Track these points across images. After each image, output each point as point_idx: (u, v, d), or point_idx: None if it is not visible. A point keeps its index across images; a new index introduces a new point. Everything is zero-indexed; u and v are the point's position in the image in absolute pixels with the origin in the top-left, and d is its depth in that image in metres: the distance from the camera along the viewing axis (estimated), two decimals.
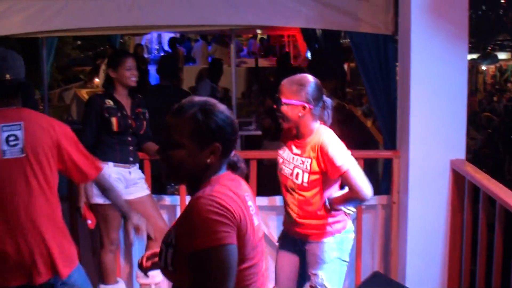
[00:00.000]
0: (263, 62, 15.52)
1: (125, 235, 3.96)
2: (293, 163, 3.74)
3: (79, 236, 5.12)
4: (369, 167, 5.25)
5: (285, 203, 3.90)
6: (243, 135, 7.36)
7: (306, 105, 3.63)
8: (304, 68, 7.82)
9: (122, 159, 4.70)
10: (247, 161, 4.80)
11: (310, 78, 3.75)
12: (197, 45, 17.66)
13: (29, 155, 3.26)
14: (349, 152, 3.66)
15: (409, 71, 4.61)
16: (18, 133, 3.25)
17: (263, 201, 5.12)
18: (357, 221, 5.01)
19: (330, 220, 3.75)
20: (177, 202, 5.18)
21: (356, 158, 4.90)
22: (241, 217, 2.22)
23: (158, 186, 5.64)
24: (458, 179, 4.62)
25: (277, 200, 5.12)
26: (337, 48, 11.01)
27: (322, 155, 3.59)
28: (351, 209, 3.86)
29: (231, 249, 2.14)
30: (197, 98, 2.36)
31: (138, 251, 5.05)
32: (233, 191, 2.27)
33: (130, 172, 4.74)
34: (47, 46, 7.06)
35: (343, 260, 3.82)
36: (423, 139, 4.67)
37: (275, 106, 3.74)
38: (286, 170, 3.80)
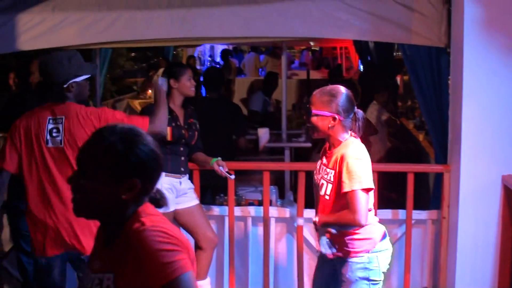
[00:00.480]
0: (314, 74, 15.49)
1: None
2: (321, 173, 3.72)
3: None
4: (420, 181, 5.19)
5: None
6: (292, 147, 7.34)
7: (336, 116, 3.58)
8: (355, 81, 7.78)
9: (173, 169, 4.74)
10: (295, 173, 4.80)
11: (342, 89, 3.69)
12: (248, 57, 17.75)
13: (66, 146, 3.81)
14: (370, 173, 3.53)
15: (461, 84, 4.55)
16: (60, 126, 3.82)
17: (311, 213, 5.10)
18: (407, 236, 4.96)
19: (356, 237, 3.65)
20: (225, 212, 5.20)
21: (407, 172, 4.91)
22: (187, 243, 2.04)
23: (208, 197, 5.67)
24: (509, 195, 4.54)
25: None
26: (390, 60, 10.91)
27: (340, 166, 3.51)
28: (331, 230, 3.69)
29: (192, 276, 1.96)
30: (120, 125, 2.11)
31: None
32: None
33: (180, 182, 4.78)
34: (101, 57, 7.20)
35: (371, 280, 3.68)
36: (474, 153, 4.60)
37: (305, 117, 3.71)
38: (315, 181, 3.79)
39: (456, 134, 4.70)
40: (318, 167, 3.80)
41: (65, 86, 3.85)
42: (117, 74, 18.24)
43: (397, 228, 5.13)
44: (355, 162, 3.47)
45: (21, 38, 5.35)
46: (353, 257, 3.65)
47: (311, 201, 5.14)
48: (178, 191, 4.75)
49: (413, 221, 4.99)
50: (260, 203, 5.28)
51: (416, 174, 4.98)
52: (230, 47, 19.29)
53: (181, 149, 4.80)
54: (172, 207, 4.69)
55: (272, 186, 5.63)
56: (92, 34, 5.43)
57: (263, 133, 6.83)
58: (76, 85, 3.90)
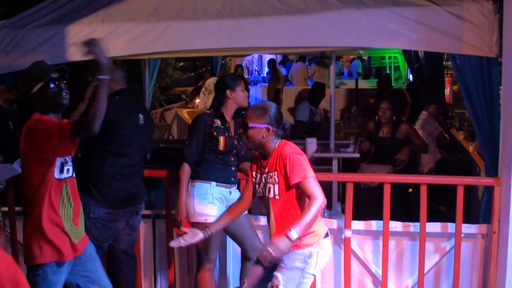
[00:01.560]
0: (363, 84, 15.41)
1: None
2: (263, 181, 3.94)
3: (175, 254, 5.21)
4: (470, 194, 5.10)
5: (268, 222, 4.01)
6: (340, 157, 7.29)
7: (270, 127, 3.91)
8: (404, 91, 7.70)
9: (224, 180, 4.77)
10: (343, 184, 4.77)
11: (271, 104, 4.09)
12: (295, 66, 17.73)
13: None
14: (307, 163, 3.83)
15: None
16: None
17: (359, 225, 5.06)
18: (455, 250, 4.87)
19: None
20: None
21: (456, 185, 4.82)
22: None
23: (255, 207, 5.66)
24: None
25: (374, 224, 5.05)
26: (440, 70, 10.80)
27: (284, 163, 3.81)
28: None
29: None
30: None
31: (233, 269, 5.09)
32: None
33: (230, 192, 4.80)
34: (150, 67, 7.27)
35: (306, 272, 3.88)
36: None
37: (241, 130, 4.00)
38: (259, 194, 4.00)
39: (508, 146, 4.61)
40: (257, 181, 4.01)
41: (29, 97, 3.79)
42: (166, 83, 18.44)
43: (445, 242, 5.05)
44: (296, 156, 3.82)
45: (72, 49, 5.43)
46: (297, 248, 3.82)
47: (359, 212, 5.12)
48: (228, 201, 4.76)
49: (462, 235, 4.90)
50: None
51: (466, 187, 4.89)
52: (278, 57, 19.31)
53: (232, 159, 4.82)
54: None
55: None
56: (141, 45, 5.48)
57: (311, 143, 6.80)
58: (36, 96, 3.76)
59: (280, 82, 15.47)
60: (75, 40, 5.47)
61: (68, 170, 3.76)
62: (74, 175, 3.84)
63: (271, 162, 3.91)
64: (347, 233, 4.93)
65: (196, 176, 4.71)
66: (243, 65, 17.42)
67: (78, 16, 5.57)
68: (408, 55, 11.92)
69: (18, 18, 5.78)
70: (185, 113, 12.27)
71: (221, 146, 4.72)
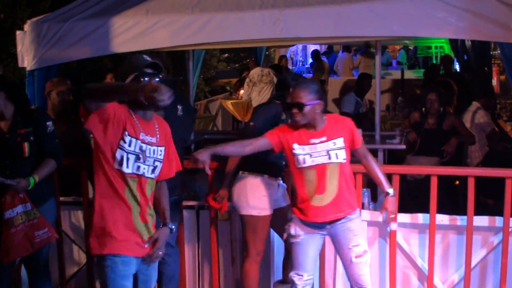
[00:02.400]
0: (409, 74, 15.22)
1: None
2: (322, 150, 4.20)
3: (218, 244, 5.20)
4: None
5: (314, 196, 4.23)
6: (386, 148, 7.20)
7: (321, 101, 4.22)
8: (450, 81, 7.55)
9: (275, 173, 4.81)
10: (389, 176, 4.70)
11: (313, 81, 4.62)
12: (340, 56, 17.61)
13: None
14: None
15: None
16: None
17: (405, 218, 4.98)
18: (503, 244, 4.75)
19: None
20: None
21: (504, 178, 4.72)
22: None
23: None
24: None
25: (420, 217, 4.97)
26: (487, 60, 10.61)
27: (349, 130, 4.27)
28: None
29: None
30: None
31: (277, 260, 5.07)
32: None
33: (278, 185, 4.80)
34: (194, 58, 7.27)
35: None
36: None
37: (295, 110, 4.17)
38: (312, 163, 4.19)
39: None
40: (308, 152, 4.20)
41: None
42: (211, 75, 18.50)
43: (493, 236, 4.94)
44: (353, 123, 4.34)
45: (115, 41, 5.47)
46: (357, 210, 4.38)
47: (405, 205, 5.04)
48: (275, 193, 4.77)
49: (510, 229, 4.78)
50: None
51: None
52: (322, 47, 19.20)
53: (283, 154, 4.81)
54: (271, 210, 4.77)
55: (364, 189, 5.53)
56: (185, 36, 5.49)
57: None
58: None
59: (324, 73, 15.39)
60: (119, 32, 5.50)
61: (138, 167, 3.65)
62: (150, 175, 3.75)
63: (329, 131, 4.22)
64: (393, 226, 4.85)
65: (249, 168, 4.73)
66: (287, 55, 17.38)
67: (122, 8, 5.61)
68: (455, 44, 11.72)
69: (62, 11, 5.85)
70: (229, 104, 12.30)
71: None
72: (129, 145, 3.57)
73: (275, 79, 11.33)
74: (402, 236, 5.03)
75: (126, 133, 3.56)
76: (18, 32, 6.17)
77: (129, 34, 5.49)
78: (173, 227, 3.94)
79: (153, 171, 3.71)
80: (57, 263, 5.40)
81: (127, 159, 3.59)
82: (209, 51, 14.79)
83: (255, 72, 11.53)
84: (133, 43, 5.53)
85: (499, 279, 4.79)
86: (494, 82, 13.30)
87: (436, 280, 4.94)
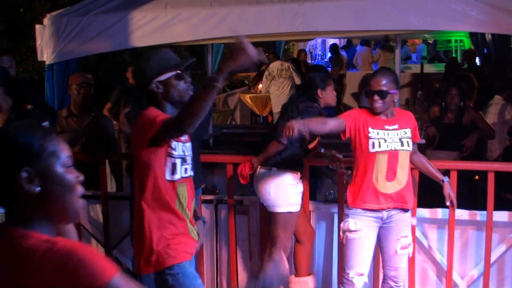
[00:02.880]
0: (428, 68, 15.12)
1: None
2: (395, 137, 4.30)
3: (237, 239, 5.20)
4: None
5: (382, 182, 4.28)
6: None
7: (398, 91, 4.40)
8: (470, 75, 7.49)
9: (301, 171, 4.84)
10: None
11: (395, 74, 4.57)
12: (359, 50, 17.53)
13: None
14: None
15: None
16: None
17: (424, 212, 4.96)
18: None
19: None
20: (335, 210, 5.10)
21: None
22: None
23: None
24: None
25: (439, 212, 4.94)
26: (507, 53, 10.49)
27: (414, 123, 4.45)
28: None
29: None
30: None
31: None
32: None
33: (300, 181, 4.82)
34: (213, 52, 7.27)
35: None
36: None
37: (376, 97, 4.26)
38: (392, 145, 4.28)
39: None
40: (382, 137, 4.29)
41: (148, 88, 3.42)
42: None
43: None
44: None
45: (134, 35, 5.48)
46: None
47: (425, 199, 5.01)
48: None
49: None
50: None
51: None
52: (342, 41, 19.12)
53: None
54: None
55: None
56: (204, 30, 5.49)
57: None
58: (162, 85, 3.43)
59: (343, 67, 15.33)
60: (138, 26, 5.51)
61: (186, 170, 3.53)
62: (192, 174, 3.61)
63: (399, 120, 4.37)
64: (413, 221, 4.82)
65: (285, 165, 4.73)
66: (306, 49, 17.32)
67: (141, 2, 5.61)
68: (475, 38, 11.62)
69: (82, 5, 5.86)
70: (248, 98, 12.29)
71: (313, 144, 4.81)
72: (176, 150, 3.44)
73: (294, 74, 11.31)
74: (421, 231, 5.00)
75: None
76: (37, 26, 6.20)
77: (148, 28, 5.51)
78: (205, 219, 3.90)
79: (192, 168, 3.61)
80: None
81: (176, 164, 3.46)
82: (228, 45, 14.77)
83: (275, 66, 11.51)
84: (152, 37, 5.54)
85: None
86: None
87: (455, 275, 4.91)
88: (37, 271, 1.70)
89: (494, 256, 4.86)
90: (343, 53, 17.93)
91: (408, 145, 4.29)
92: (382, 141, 4.25)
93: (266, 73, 11.61)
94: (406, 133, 4.31)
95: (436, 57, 20.54)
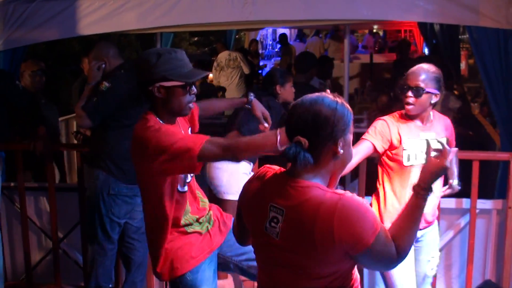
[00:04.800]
0: (378, 58, 15.25)
1: None
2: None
3: None
4: (485, 169, 5.02)
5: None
6: (354, 132, 7.21)
7: (440, 94, 3.80)
8: (423, 60, 7.60)
9: (254, 162, 4.93)
10: None
11: (436, 68, 3.86)
12: (311, 40, 17.60)
13: None
14: None
15: None
16: None
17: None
18: (470, 225, 4.82)
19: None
20: None
21: (471, 160, 4.76)
22: None
23: None
24: None
25: None
26: (456, 44, 10.64)
27: (452, 133, 3.98)
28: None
29: None
30: None
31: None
32: None
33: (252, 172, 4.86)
34: (163, 42, 7.19)
35: None
36: None
37: (409, 94, 3.79)
38: (412, 159, 3.82)
39: None
40: (419, 146, 3.79)
41: (149, 88, 3.19)
42: None
43: (460, 218, 5.00)
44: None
45: (82, 22, 5.39)
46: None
47: (372, 188, 5.05)
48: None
49: (477, 211, 4.84)
50: None
51: (481, 162, 4.82)
52: (293, 32, 19.16)
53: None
54: None
55: None
56: (153, 18, 5.42)
57: None
58: (164, 91, 3.18)
59: (292, 56, 15.36)
60: (85, 14, 5.42)
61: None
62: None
63: (436, 127, 3.87)
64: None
65: None
66: (257, 38, 17.32)
67: None
68: (424, 28, 11.75)
69: None
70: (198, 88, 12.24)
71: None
72: None
73: (242, 64, 11.32)
74: None
75: None
76: None
77: (96, 15, 5.41)
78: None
79: None
80: (22, 250, 5.35)
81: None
82: (178, 34, 14.69)
83: (223, 56, 11.49)
84: (100, 25, 5.45)
85: (465, 260, 4.85)
86: (463, 66, 13.37)
87: None
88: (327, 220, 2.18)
89: (442, 242, 4.95)
90: (298, 43, 18.04)
91: None
92: (419, 152, 3.77)
93: (215, 64, 11.58)
94: None
95: (385, 47, 20.67)
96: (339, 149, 2.32)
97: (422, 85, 3.71)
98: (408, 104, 3.78)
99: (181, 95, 3.18)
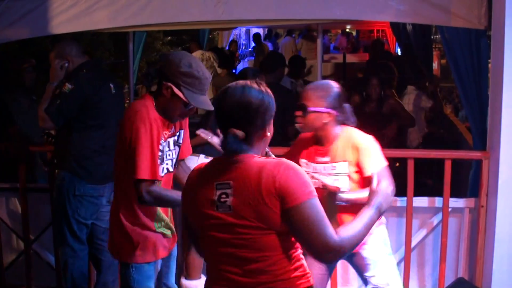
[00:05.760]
0: (351, 58, 15.32)
1: None
2: (323, 172, 3.62)
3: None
4: (457, 168, 5.06)
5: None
6: None
7: (332, 111, 3.53)
8: (390, 64, 7.63)
9: (211, 154, 4.82)
10: None
11: (334, 84, 3.63)
12: (284, 41, 17.63)
13: None
14: (381, 152, 3.60)
15: (502, 68, 4.40)
16: None
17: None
18: (443, 224, 4.85)
19: None
20: None
21: (444, 159, 4.79)
22: None
23: None
24: None
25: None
26: (428, 43, 10.71)
27: (357, 154, 3.53)
28: None
29: None
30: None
31: None
32: None
33: None
34: (136, 41, 7.15)
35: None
36: None
37: (299, 113, 3.55)
38: (318, 183, 3.57)
39: (496, 120, 4.56)
40: (312, 171, 3.64)
41: (163, 81, 3.38)
42: (154, 58, 18.32)
43: (433, 216, 5.03)
44: (372, 145, 3.55)
45: (54, 21, 5.34)
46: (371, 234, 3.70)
47: None
48: None
49: (449, 209, 4.87)
50: None
51: (453, 161, 4.85)
52: (265, 31, 19.17)
53: None
54: None
55: None
56: (125, 17, 5.39)
57: None
58: (170, 93, 3.36)
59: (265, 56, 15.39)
60: (57, 12, 5.37)
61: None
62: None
63: (335, 150, 3.58)
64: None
65: (211, 153, 4.70)
66: (230, 39, 17.31)
67: None
68: (397, 28, 11.83)
69: None
70: None
71: None
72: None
73: (215, 64, 11.30)
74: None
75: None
76: None
77: (68, 14, 5.36)
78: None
79: (173, 165, 3.63)
80: None
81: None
82: (152, 34, 14.59)
83: (196, 55, 11.46)
84: (72, 24, 5.40)
85: (438, 258, 4.88)
86: (435, 66, 13.46)
87: None
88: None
89: (414, 241, 4.97)
90: (268, 43, 18.05)
91: (338, 184, 3.55)
92: (315, 175, 3.63)
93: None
94: (335, 169, 3.58)
95: (358, 47, 20.77)
96: (267, 133, 2.59)
97: (307, 103, 3.52)
98: (296, 121, 3.59)
99: (179, 107, 3.38)
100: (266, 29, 19.07)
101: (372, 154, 3.52)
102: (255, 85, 2.58)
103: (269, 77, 6.33)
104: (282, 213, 2.36)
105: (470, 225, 4.97)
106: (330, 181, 3.55)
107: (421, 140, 7.20)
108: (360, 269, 3.83)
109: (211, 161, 2.65)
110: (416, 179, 4.88)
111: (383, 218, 3.85)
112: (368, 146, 3.54)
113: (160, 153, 3.37)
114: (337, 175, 3.57)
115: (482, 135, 4.92)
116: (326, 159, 3.61)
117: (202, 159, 4.72)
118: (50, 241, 5.21)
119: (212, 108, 3.23)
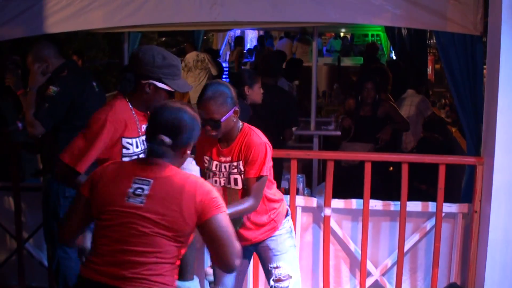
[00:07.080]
0: (346, 61, 15.35)
1: None
2: (226, 171, 3.70)
3: None
4: (451, 174, 5.07)
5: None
6: (321, 135, 7.24)
7: (237, 108, 3.61)
8: (385, 68, 7.64)
9: None
10: (324, 162, 4.72)
11: (225, 84, 3.69)
12: (281, 42, 17.65)
13: None
14: (270, 160, 3.64)
15: (497, 74, 4.40)
16: None
17: (338, 203, 5.02)
18: (436, 229, 4.84)
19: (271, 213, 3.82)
20: None
21: (438, 163, 4.79)
22: None
23: None
24: None
25: (354, 203, 5.01)
26: (423, 48, 10.74)
27: (246, 154, 3.60)
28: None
29: None
30: None
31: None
32: None
33: None
34: (130, 41, 7.14)
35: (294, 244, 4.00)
36: (509, 145, 4.46)
37: (209, 128, 3.54)
38: (220, 180, 3.72)
39: (490, 125, 4.56)
40: (212, 168, 3.74)
41: (141, 81, 3.43)
42: None
43: (426, 221, 5.02)
44: (260, 151, 3.58)
45: (49, 20, 5.32)
46: (277, 229, 3.85)
47: (340, 191, 5.07)
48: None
49: (443, 214, 4.87)
50: (286, 192, 5.20)
51: (447, 166, 4.85)
52: (261, 33, 19.18)
53: None
54: None
55: (299, 175, 5.55)
56: (120, 18, 5.38)
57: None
58: (153, 89, 3.45)
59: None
60: (52, 11, 5.36)
61: None
62: None
63: (235, 149, 3.65)
64: (327, 211, 4.89)
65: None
66: (225, 41, 17.31)
67: None
68: (391, 33, 11.85)
69: None
70: None
71: None
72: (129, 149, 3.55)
73: (210, 65, 11.28)
74: (336, 222, 5.06)
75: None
76: None
77: (63, 13, 5.35)
78: None
79: None
80: None
81: None
82: (147, 35, 14.58)
83: (191, 57, 11.44)
84: (67, 23, 5.39)
85: (431, 263, 4.88)
86: (429, 71, 13.50)
87: (369, 264, 5.00)
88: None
89: (407, 246, 4.97)
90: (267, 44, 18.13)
91: (236, 183, 3.66)
92: (211, 173, 3.74)
93: (183, 64, 11.50)
94: (235, 168, 3.65)
95: (353, 51, 20.81)
96: (187, 151, 2.88)
97: (217, 116, 3.51)
98: (210, 134, 3.57)
99: (164, 97, 3.48)
100: (261, 31, 19.09)
101: (256, 161, 3.57)
102: (189, 109, 2.86)
103: (266, 78, 6.32)
104: (198, 227, 2.73)
105: (463, 230, 4.97)
106: (231, 180, 3.68)
107: (416, 144, 7.21)
108: (265, 260, 3.92)
109: (134, 159, 3.03)
110: (410, 183, 4.88)
111: (288, 211, 3.99)
112: (257, 152, 3.58)
113: (124, 150, 3.48)
114: (240, 174, 3.65)
115: (477, 141, 4.93)
116: (228, 158, 3.68)
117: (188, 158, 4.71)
118: (43, 241, 5.18)
119: (190, 88, 3.73)
